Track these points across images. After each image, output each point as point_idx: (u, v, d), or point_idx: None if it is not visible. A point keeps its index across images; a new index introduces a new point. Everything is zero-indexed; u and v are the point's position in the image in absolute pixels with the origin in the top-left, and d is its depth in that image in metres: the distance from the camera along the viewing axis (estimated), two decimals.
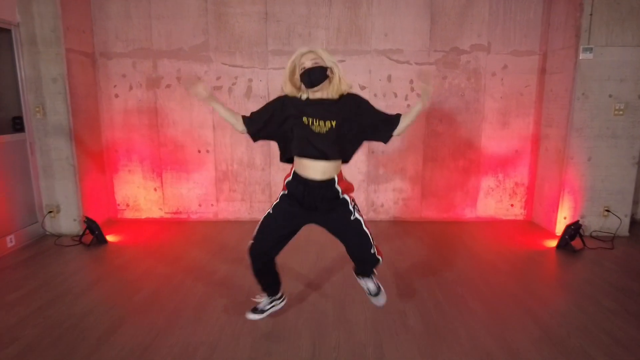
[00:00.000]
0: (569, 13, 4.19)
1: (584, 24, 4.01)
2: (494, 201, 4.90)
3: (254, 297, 2.68)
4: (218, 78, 4.65)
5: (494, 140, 4.76)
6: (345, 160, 2.33)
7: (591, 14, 3.98)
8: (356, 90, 4.60)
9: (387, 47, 4.58)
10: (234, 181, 4.84)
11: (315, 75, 2.15)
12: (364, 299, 2.78)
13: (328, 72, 2.17)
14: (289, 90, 2.27)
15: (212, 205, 4.91)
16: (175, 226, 4.73)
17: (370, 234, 2.36)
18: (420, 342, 2.49)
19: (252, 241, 2.37)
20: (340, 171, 2.32)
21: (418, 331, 2.61)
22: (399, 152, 4.77)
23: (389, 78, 4.64)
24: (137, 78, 4.69)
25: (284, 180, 2.36)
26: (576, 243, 4.06)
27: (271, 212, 2.35)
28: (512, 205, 4.91)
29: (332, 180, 2.26)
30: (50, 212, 4.41)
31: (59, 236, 4.37)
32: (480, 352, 2.39)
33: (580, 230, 4.11)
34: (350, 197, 2.32)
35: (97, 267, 3.65)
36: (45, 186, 4.38)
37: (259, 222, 2.37)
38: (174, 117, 4.74)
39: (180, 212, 4.93)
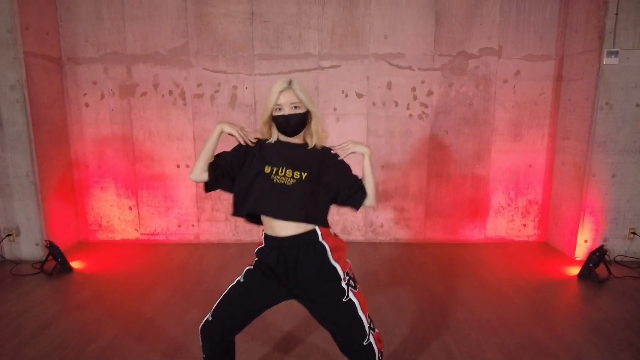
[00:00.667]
0: (590, 12, 3.75)
1: (608, 25, 3.57)
2: (505, 221, 4.44)
3: None
4: (199, 85, 4.18)
5: (505, 153, 4.31)
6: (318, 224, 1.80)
7: (617, 13, 3.55)
8: (352, 100, 4.17)
9: (387, 50, 4.13)
10: (217, 199, 4.37)
11: (295, 123, 1.78)
12: None
13: (308, 117, 1.81)
14: (264, 131, 1.86)
15: (192, 225, 4.43)
16: (151, 249, 4.25)
17: (367, 320, 1.79)
18: None
19: (209, 317, 1.80)
20: (325, 224, 1.82)
21: None
22: (400, 167, 4.31)
23: (389, 85, 4.18)
24: (109, 85, 4.22)
25: (255, 249, 1.86)
26: (600, 270, 3.60)
27: (242, 280, 1.83)
28: (524, 225, 4.45)
29: (312, 234, 1.76)
30: (9, 235, 3.94)
31: (18, 263, 3.89)
32: None
33: (605, 256, 3.65)
34: (343, 268, 1.79)
35: (55, 303, 3.16)
36: (3, 207, 3.91)
37: (223, 294, 1.83)
38: (151, 128, 4.27)
39: (158, 234, 4.45)
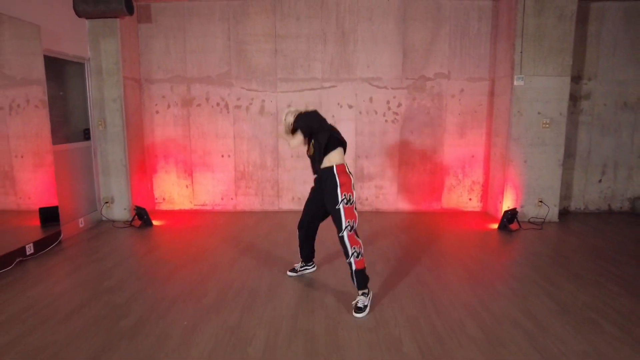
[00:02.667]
0: (507, 50, 5.50)
1: (516, 59, 5.31)
2: (456, 196, 6.16)
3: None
4: (238, 99, 5.95)
5: (454, 147, 6.04)
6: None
7: (521, 52, 5.29)
8: (345, 109, 5.91)
9: (369, 75, 5.90)
10: (249, 179, 6.11)
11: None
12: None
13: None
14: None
15: (231, 199, 6.17)
16: (202, 215, 5.98)
17: (345, 223, 3.12)
18: (382, 279, 3.73)
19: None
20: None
21: (382, 273, 3.85)
22: (379, 157, 6.04)
23: (371, 99, 5.93)
24: (174, 98, 5.99)
25: (344, 170, 3.26)
26: (514, 226, 5.30)
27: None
28: (470, 199, 6.17)
29: (330, 170, 3.28)
30: (107, 202, 5.67)
31: (113, 221, 5.62)
32: (421, 282, 3.63)
33: (517, 215, 5.35)
34: (342, 192, 3.19)
35: (150, 241, 4.89)
36: (104, 182, 5.64)
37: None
38: (203, 130, 6.03)
39: (206, 205, 6.20)
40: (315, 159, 3.30)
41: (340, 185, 3.16)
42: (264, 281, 3.67)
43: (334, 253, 4.33)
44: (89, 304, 3.22)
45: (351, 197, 3.18)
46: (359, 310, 3.06)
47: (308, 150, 3.42)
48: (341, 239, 3.15)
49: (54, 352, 2.58)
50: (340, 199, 3.14)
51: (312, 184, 3.55)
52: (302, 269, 3.85)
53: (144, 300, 3.29)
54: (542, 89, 5.37)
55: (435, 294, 3.41)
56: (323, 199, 3.30)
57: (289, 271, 3.83)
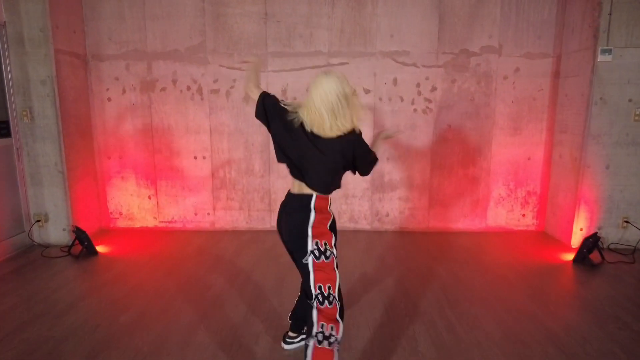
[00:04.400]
0: (585, 13, 3.96)
1: (602, 24, 3.79)
2: (505, 211, 4.66)
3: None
4: (215, 81, 4.43)
5: (505, 146, 4.53)
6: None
7: (610, 14, 3.76)
8: (360, 95, 4.40)
9: (392, 48, 4.37)
10: (231, 189, 4.62)
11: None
12: (370, 324, 2.53)
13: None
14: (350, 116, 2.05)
15: (208, 214, 4.68)
16: (170, 236, 4.50)
17: (315, 289, 2.01)
18: None
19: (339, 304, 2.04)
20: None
21: (430, 357, 2.37)
22: (404, 159, 4.54)
23: (395, 81, 4.41)
24: (130, 81, 4.48)
25: (323, 208, 2.07)
26: (594, 257, 3.82)
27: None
28: (523, 215, 4.67)
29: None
30: (38, 220, 4.20)
31: (47, 247, 4.16)
32: None
33: (599, 243, 3.86)
34: (314, 238, 2.03)
35: (85, 282, 3.42)
36: (33, 194, 4.17)
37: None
38: (169, 122, 4.53)
39: (176, 221, 4.71)
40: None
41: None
42: None
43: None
44: None
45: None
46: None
47: None
48: (310, 312, 2.06)
49: None
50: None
51: None
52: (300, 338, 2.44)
53: None
54: (637, 66, 3.85)
55: None
56: None
57: (285, 343, 2.41)
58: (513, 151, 4.55)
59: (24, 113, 4.00)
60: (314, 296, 2.00)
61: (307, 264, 2.01)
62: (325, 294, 1.99)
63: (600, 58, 3.84)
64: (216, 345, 2.49)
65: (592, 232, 4.01)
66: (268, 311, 2.89)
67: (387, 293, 3.16)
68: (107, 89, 4.51)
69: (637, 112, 3.91)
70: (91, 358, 2.36)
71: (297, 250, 2.06)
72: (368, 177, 4.55)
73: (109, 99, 4.53)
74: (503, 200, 4.64)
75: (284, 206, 2.13)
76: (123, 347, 2.47)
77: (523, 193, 4.64)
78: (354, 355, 2.40)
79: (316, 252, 1.99)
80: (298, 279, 2.20)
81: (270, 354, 2.40)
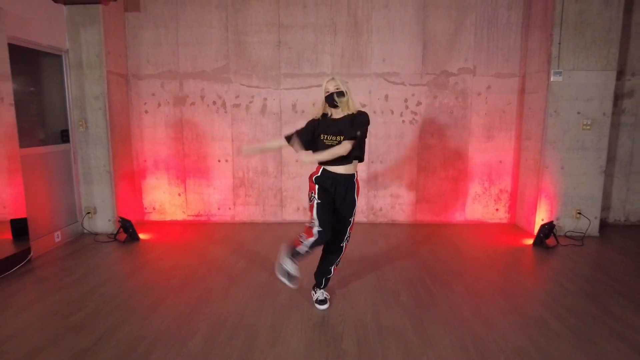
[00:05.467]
0: (542, 41, 4.83)
1: (554, 51, 4.65)
2: (481, 206, 5.49)
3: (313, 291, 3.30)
4: (237, 97, 5.29)
5: (480, 152, 5.37)
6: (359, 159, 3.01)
7: (560, 43, 4.62)
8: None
9: (384, 70, 5.24)
10: (249, 187, 5.46)
11: (337, 96, 2.89)
12: (363, 280, 3.31)
13: (345, 94, 2.91)
14: (320, 109, 3.02)
15: (229, 208, 5.52)
16: (196, 227, 5.33)
17: (349, 234, 3.16)
18: (409, 312, 3.07)
19: (320, 229, 2.90)
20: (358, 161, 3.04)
21: (408, 305, 3.18)
22: (395, 162, 5.38)
23: (387, 97, 5.28)
24: (165, 96, 5.34)
25: (312, 177, 2.99)
26: (550, 241, 4.63)
27: (319, 201, 2.94)
28: (497, 209, 5.50)
29: (352, 176, 3.00)
30: (89, 213, 5.02)
31: (96, 234, 4.97)
32: (458, 318, 2.96)
33: (554, 230, 4.69)
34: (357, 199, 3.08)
35: (135, 259, 4.24)
36: (85, 191, 5.00)
37: (316, 215, 2.92)
38: (197, 131, 5.38)
39: (201, 215, 5.54)
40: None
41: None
42: (264, 316, 3.01)
43: (346, 277, 3.68)
44: (46, 349, 2.56)
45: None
46: (324, 302, 3.16)
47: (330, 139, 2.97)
48: (341, 248, 3.19)
49: None
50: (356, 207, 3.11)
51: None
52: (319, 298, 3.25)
53: (117, 342, 2.64)
54: (583, 85, 4.70)
55: (478, 335, 2.75)
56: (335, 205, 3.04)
57: (319, 304, 3.18)
58: (487, 155, 5.39)
59: (80, 123, 4.86)
60: (345, 239, 3.11)
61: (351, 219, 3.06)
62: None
63: (553, 78, 4.70)
64: (248, 297, 3.31)
65: (550, 221, 4.83)
66: None
67: (379, 267, 3.98)
68: (145, 103, 5.37)
69: (585, 123, 4.76)
70: (154, 308, 3.16)
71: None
72: (365, 177, 5.39)
73: (146, 112, 5.38)
74: (479, 197, 5.48)
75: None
76: (177, 300, 3.28)
77: (496, 191, 5.47)
78: (349, 304, 3.21)
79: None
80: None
81: (290, 301, 3.21)
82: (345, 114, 2.94)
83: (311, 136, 3.00)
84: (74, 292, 3.39)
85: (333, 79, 2.94)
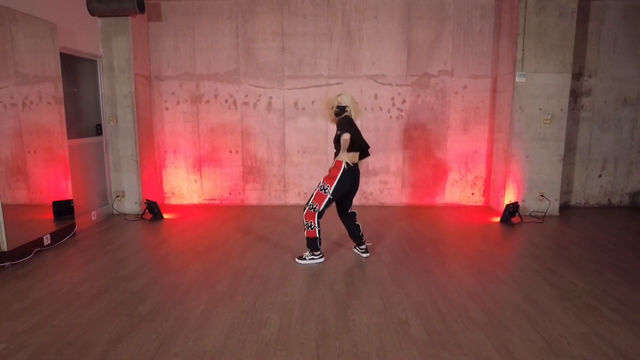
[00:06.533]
0: (508, 47, 5.62)
1: (518, 56, 5.43)
2: (459, 190, 6.29)
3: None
4: (246, 96, 6.08)
5: (457, 143, 6.17)
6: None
7: (523, 49, 5.41)
8: None
9: (374, 72, 6.02)
10: (256, 174, 6.25)
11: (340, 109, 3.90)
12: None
13: (346, 108, 3.90)
14: (329, 115, 4.03)
15: (239, 193, 6.31)
16: (211, 209, 6.12)
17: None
18: (388, 268, 3.87)
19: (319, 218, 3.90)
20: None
21: (387, 264, 3.98)
22: (383, 153, 6.18)
23: (376, 96, 6.07)
24: (183, 95, 6.13)
25: (341, 168, 3.84)
26: (515, 219, 5.43)
27: (331, 197, 3.86)
28: (472, 194, 6.30)
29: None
30: (118, 196, 5.81)
31: (124, 215, 5.76)
32: (426, 270, 3.76)
33: (518, 209, 5.48)
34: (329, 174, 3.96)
35: (162, 233, 5.03)
36: (114, 177, 5.79)
37: (325, 202, 3.85)
38: (212, 126, 6.17)
39: (215, 199, 6.34)
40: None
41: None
42: (275, 269, 3.81)
43: (338, 242, 4.48)
44: (108, 291, 3.36)
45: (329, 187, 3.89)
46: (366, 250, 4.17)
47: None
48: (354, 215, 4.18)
49: (78, 333, 2.72)
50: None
51: (319, 178, 3.86)
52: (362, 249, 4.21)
53: (160, 288, 3.43)
54: (543, 85, 5.49)
55: (440, 282, 3.55)
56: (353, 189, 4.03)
57: (365, 253, 4.18)
58: (463, 146, 6.19)
59: (111, 118, 5.64)
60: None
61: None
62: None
63: (518, 79, 5.49)
64: (260, 257, 4.11)
65: (514, 201, 5.62)
66: (290, 244, 4.51)
67: (367, 238, 4.79)
68: (165, 101, 6.16)
69: (545, 117, 5.55)
70: (185, 266, 3.95)
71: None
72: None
73: (167, 108, 6.17)
74: (457, 182, 6.27)
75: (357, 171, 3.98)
76: (203, 260, 4.07)
77: (472, 177, 6.27)
78: (340, 261, 4.02)
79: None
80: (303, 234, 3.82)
81: (294, 260, 4.02)
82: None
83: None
84: (118, 255, 4.19)
85: (340, 95, 3.99)
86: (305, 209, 3.88)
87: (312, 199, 3.86)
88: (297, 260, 3.99)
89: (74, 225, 4.83)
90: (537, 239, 4.74)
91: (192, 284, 3.50)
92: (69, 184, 4.78)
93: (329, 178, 3.85)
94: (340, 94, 3.98)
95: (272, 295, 3.28)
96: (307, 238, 3.94)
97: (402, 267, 3.88)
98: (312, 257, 3.97)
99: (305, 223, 3.89)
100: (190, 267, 3.87)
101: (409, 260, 4.06)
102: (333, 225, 4.90)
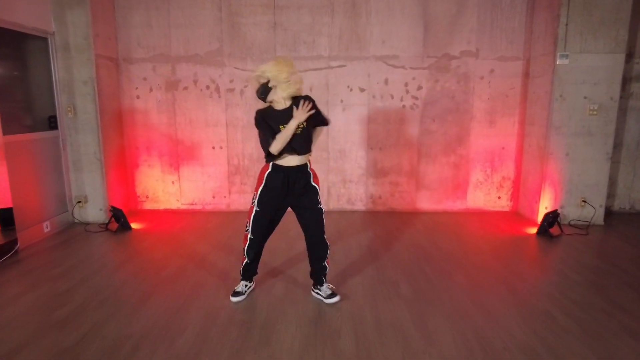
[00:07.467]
0: (547, 23, 4.64)
1: (560, 33, 4.46)
2: (483, 194, 5.35)
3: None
4: (231, 81, 5.11)
5: (482, 137, 5.21)
6: (309, 150, 2.88)
7: (567, 24, 4.43)
8: (356, 93, 5.08)
9: (384, 53, 5.05)
10: (244, 175, 5.31)
11: (260, 92, 2.77)
12: (362, 273, 3.19)
13: (270, 85, 2.70)
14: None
15: (224, 197, 5.37)
16: (191, 216, 5.19)
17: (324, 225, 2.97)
18: (410, 305, 2.94)
19: (252, 236, 2.95)
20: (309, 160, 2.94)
21: (408, 297, 3.06)
22: (395, 149, 5.22)
23: (386, 81, 5.09)
24: (156, 81, 5.16)
25: (262, 175, 2.85)
26: (554, 230, 4.50)
27: (258, 209, 2.89)
28: (499, 197, 5.36)
29: (306, 165, 2.87)
30: (79, 202, 4.87)
31: (87, 224, 4.83)
32: (459, 312, 2.84)
33: (558, 219, 4.55)
34: (319, 187, 2.92)
35: (126, 249, 4.10)
36: (75, 179, 4.84)
37: (251, 220, 2.92)
38: (190, 117, 5.21)
39: (196, 204, 5.40)
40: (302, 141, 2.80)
41: (313, 177, 2.94)
42: (259, 311, 2.88)
43: (344, 272, 3.55)
44: (28, 347, 2.44)
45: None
46: (333, 295, 3.00)
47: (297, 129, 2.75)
48: (325, 242, 3.01)
49: None
50: (319, 198, 2.95)
51: (318, 178, 3.06)
52: (248, 288, 3.13)
53: (103, 340, 2.51)
54: (590, 68, 4.53)
55: (481, 330, 2.62)
56: (287, 200, 2.90)
57: (232, 296, 3.04)
58: (489, 141, 5.24)
59: (69, 109, 4.68)
60: (324, 229, 2.95)
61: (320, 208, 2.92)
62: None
63: (559, 61, 4.52)
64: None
65: (553, 210, 4.69)
66: (283, 266, 3.58)
67: (377, 257, 3.85)
68: (136, 88, 5.19)
69: (591, 108, 4.60)
70: (143, 301, 3.03)
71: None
72: (364, 164, 5.24)
73: (138, 97, 5.20)
74: (481, 184, 5.33)
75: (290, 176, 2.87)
76: (167, 293, 3.15)
77: (498, 178, 5.33)
78: (348, 297, 3.09)
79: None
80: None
81: (285, 294, 3.09)
82: (287, 104, 2.83)
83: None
84: (60, 285, 3.26)
85: (260, 66, 2.80)
86: (324, 234, 3.03)
87: (323, 216, 2.98)
88: (325, 300, 2.98)
89: (15, 242, 3.91)
90: (588, 258, 3.82)
91: (146, 334, 2.57)
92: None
93: (256, 184, 2.93)
94: (261, 65, 2.78)
95: (251, 357, 2.36)
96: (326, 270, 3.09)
97: (428, 305, 2.95)
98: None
99: (328, 252, 3.05)
100: (149, 305, 2.94)
101: (435, 293, 3.13)
102: (341, 250, 3.97)
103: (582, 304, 2.96)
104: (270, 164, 2.82)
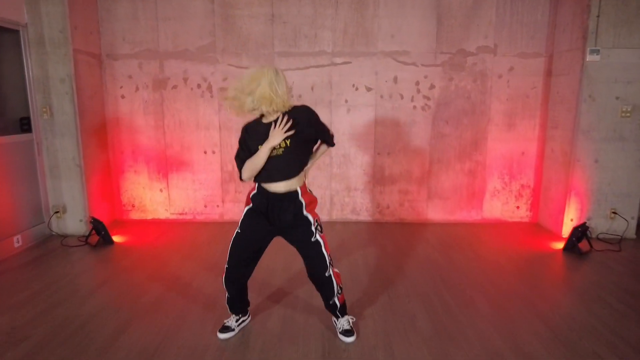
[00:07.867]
0: (575, 14, 4.18)
1: (591, 26, 4.00)
2: (500, 203, 4.89)
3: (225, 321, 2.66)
4: (225, 79, 4.65)
5: (500, 142, 4.75)
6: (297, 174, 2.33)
7: (598, 16, 3.98)
8: (362, 93, 4.61)
9: (393, 48, 4.59)
10: (239, 182, 4.84)
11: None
12: (373, 301, 2.76)
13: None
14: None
15: (217, 206, 4.91)
16: (181, 227, 4.73)
17: (328, 257, 2.41)
18: (429, 344, 2.48)
19: (227, 266, 2.47)
20: (305, 183, 2.39)
21: (427, 333, 2.60)
22: (404, 154, 4.76)
23: (396, 79, 4.63)
24: (143, 79, 4.70)
25: (249, 194, 2.39)
26: (583, 245, 4.04)
27: (239, 230, 2.39)
28: (518, 207, 4.90)
29: (294, 192, 2.30)
30: (57, 212, 4.42)
31: (65, 236, 4.37)
32: (489, 353, 2.38)
33: (587, 232, 4.09)
34: (313, 216, 2.36)
35: (104, 268, 3.64)
36: (52, 187, 4.39)
37: (230, 246, 2.43)
38: (180, 118, 4.75)
39: (186, 213, 4.93)
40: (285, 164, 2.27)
41: (307, 205, 2.35)
42: (251, 349, 2.42)
43: (357, 303, 3.08)
44: None
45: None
46: (349, 332, 2.51)
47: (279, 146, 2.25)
48: (328, 279, 2.43)
49: None
50: (314, 229, 2.36)
51: (320, 187, 2.47)
52: (240, 323, 2.65)
53: None
54: (623, 65, 4.07)
55: None
56: (274, 232, 2.39)
57: (221, 332, 2.57)
58: (507, 146, 4.77)
59: (44, 110, 4.22)
60: (328, 264, 2.38)
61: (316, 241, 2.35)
62: (330, 258, 2.43)
63: (589, 58, 4.06)
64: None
65: (581, 222, 4.23)
66: (284, 289, 3.12)
67: (389, 281, 3.39)
68: (121, 87, 4.73)
69: (624, 109, 4.14)
70: (117, 335, 2.58)
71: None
72: (370, 171, 4.78)
73: (123, 97, 4.74)
74: (498, 193, 4.87)
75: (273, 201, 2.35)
76: (147, 325, 2.70)
77: (517, 186, 4.86)
78: (358, 333, 2.63)
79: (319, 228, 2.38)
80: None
81: (282, 330, 2.63)
82: (275, 117, 2.28)
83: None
84: (22, 315, 2.80)
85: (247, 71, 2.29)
86: (327, 270, 2.47)
87: (323, 249, 2.44)
88: (339, 335, 2.53)
89: None
90: (627, 280, 3.36)
91: None
92: None
93: (245, 201, 2.47)
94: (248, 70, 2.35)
95: None
96: (342, 306, 2.58)
97: (450, 344, 2.49)
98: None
99: (336, 289, 2.51)
100: (122, 343, 2.49)
101: (457, 327, 2.67)
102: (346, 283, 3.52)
103: (629, 340, 2.50)
104: (257, 184, 2.35)
